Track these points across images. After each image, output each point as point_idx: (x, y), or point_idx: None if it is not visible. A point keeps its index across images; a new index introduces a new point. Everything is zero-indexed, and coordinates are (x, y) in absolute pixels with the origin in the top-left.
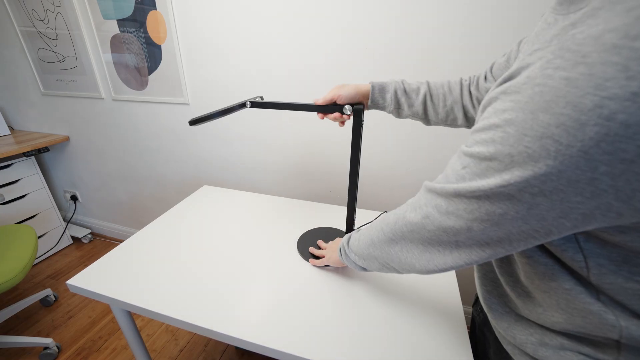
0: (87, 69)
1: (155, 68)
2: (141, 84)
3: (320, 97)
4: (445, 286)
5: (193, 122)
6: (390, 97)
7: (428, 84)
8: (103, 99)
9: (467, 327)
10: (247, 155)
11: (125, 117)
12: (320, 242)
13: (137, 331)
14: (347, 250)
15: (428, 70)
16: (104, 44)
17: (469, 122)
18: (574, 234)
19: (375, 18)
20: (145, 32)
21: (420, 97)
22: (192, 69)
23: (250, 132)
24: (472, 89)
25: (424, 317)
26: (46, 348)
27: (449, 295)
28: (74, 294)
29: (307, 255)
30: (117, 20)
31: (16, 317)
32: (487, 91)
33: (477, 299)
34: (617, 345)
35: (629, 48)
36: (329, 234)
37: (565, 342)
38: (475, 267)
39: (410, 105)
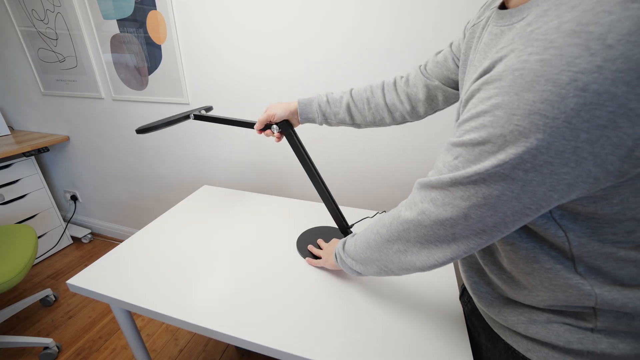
0: (87, 69)
1: (155, 68)
2: (141, 84)
3: (258, 122)
4: (444, 285)
5: (140, 131)
6: (316, 111)
7: (351, 91)
8: (103, 99)
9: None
10: (247, 155)
11: (125, 117)
12: (320, 242)
13: (137, 331)
14: (342, 256)
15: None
16: (104, 44)
17: (395, 120)
18: (551, 214)
19: (375, 18)
20: (145, 32)
21: (344, 105)
22: (192, 69)
23: (251, 132)
24: (402, 85)
25: (423, 315)
26: (46, 348)
27: (448, 295)
28: (74, 294)
29: (306, 254)
30: (117, 20)
31: (16, 317)
32: (424, 86)
33: (462, 291)
34: (593, 312)
35: (586, 32)
36: (329, 233)
37: (551, 316)
38: (459, 261)
39: (336, 114)
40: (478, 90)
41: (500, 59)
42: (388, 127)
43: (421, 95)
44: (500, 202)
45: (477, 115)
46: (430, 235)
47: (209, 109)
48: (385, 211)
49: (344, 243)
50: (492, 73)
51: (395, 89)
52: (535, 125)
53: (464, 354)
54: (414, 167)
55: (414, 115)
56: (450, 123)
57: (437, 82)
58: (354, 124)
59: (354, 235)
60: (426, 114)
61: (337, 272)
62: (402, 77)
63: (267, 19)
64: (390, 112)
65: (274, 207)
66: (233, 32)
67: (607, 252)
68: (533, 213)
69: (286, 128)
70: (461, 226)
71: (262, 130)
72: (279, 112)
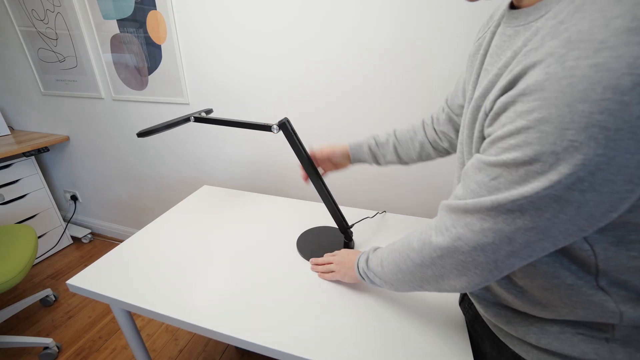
0: (87, 69)
1: (155, 68)
2: (141, 84)
3: (318, 150)
4: None
5: (141, 135)
6: (367, 155)
7: (395, 133)
8: (103, 99)
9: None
10: (247, 155)
11: (125, 117)
12: (326, 256)
13: (137, 331)
14: (369, 274)
15: (427, 70)
16: (104, 44)
17: (440, 153)
18: None
19: (375, 18)
20: (145, 32)
21: (390, 147)
22: (192, 69)
23: (251, 132)
24: (435, 125)
25: (423, 316)
26: (46, 348)
27: (448, 295)
28: (74, 294)
29: (307, 255)
30: (117, 20)
31: (16, 317)
32: (448, 121)
33: (463, 296)
34: (611, 324)
35: None
36: (329, 233)
37: (564, 326)
38: None
39: (384, 156)
40: (513, 102)
41: (533, 65)
42: (389, 126)
43: (452, 133)
44: (552, 226)
45: (518, 131)
46: (469, 262)
47: (209, 111)
48: (385, 211)
49: (367, 260)
50: (528, 82)
51: (433, 127)
52: (594, 140)
53: (463, 354)
54: (414, 167)
55: (454, 148)
56: None
57: (455, 116)
58: (401, 162)
59: (375, 251)
60: None
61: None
62: (436, 113)
63: (267, 19)
64: (434, 148)
65: (274, 207)
66: (233, 32)
67: (635, 265)
68: (585, 233)
69: (286, 128)
70: (504, 252)
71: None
72: (337, 153)
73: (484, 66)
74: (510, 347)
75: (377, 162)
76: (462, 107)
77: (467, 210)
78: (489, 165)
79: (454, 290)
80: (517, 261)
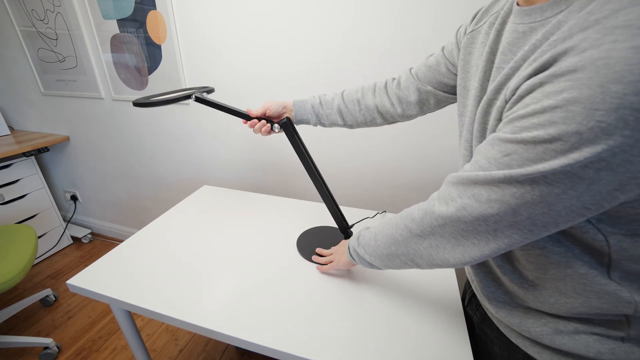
0: (87, 69)
1: (155, 68)
2: (141, 84)
3: (253, 109)
4: (445, 286)
5: (137, 104)
6: (309, 112)
7: (342, 93)
8: (103, 99)
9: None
10: (247, 155)
11: (125, 117)
12: (320, 250)
13: (137, 331)
14: (359, 251)
15: None
16: (104, 44)
17: (386, 121)
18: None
19: (375, 18)
20: (145, 32)
21: (335, 107)
22: (192, 69)
23: (251, 132)
24: (393, 88)
25: (423, 316)
26: (46, 348)
27: (449, 295)
28: (74, 294)
29: (307, 254)
30: (117, 20)
31: (16, 317)
32: (416, 90)
33: (470, 298)
34: (626, 320)
35: None
36: (329, 233)
37: (579, 326)
38: (471, 270)
39: (328, 115)
40: (541, 84)
41: (564, 52)
42: (388, 127)
43: (412, 98)
44: (558, 201)
45: (542, 110)
46: (469, 231)
47: (210, 90)
48: (385, 211)
49: (359, 237)
50: (559, 66)
51: (386, 91)
52: (624, 121)
53: (464, 354)
54: (414, 167)
55: (404, 116)
56: (450, 123)
57: (429, 87)
58: (345, 124)
59: (368, 229)
60: (417, 116)
61: (337, 273)
62: (393, 79)
63: (267, 19)
64: (380, 113)
65: (274, 207)
66: (233, 32)
67: None
68: (589, 213)
69: (287, 127)
70: (506, 223)
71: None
72: (274, 106)
73: (496, 64)
74: (522, 348)
75: (321, 123)
76: (442, 83)
77: (476, 182)
78: (504, 141)
79: (446, 265)
80: (516, 233)
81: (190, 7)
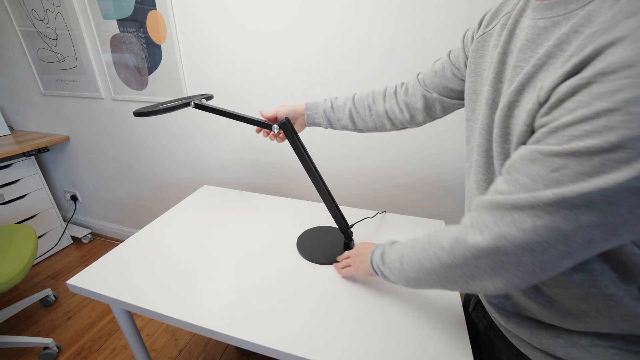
0: (87, 69)
1: (155, 68)
2: (141, 84)
3: (265, 111)
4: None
5: (138, 114)
6: (321, 116)
7: (353, 97)
8: (103, 99)
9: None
10: (247, 155)
11: (125, 117)
12: (346, 253)
13: (137, 331)
14: (382, 270)
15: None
16: (104, 44)
17: (395, 127)
18: None
19: (375, 18)
20: (145, 32)
21: (347, 111)
22: (192, 69)
23: (251, 132)
24: (401, 95)
25: (423, 317)
26: (46, 348)
27: (449, 296)
28: (74, 294)
29: (307, 254)
30: (117, 20)
31: (16, 317)
32: (422, 97)
33: (475, 304)
34: None
35: None
36: (329, 233)
37: (595, 339)
38: None
39: (339, 120)
40: (587, 85)
41: (611, 43)
42: None
43: (419, 105)
44: (622, 223)
45: (596, 115)
46: (511, 263)
47: (209, 97)
48: (385, 211)
49: (383, 255)
50: (608, 61)
51: (396, 98)
52: None
53: (464, 355)
54: (414, 167)
55: (413, 123)
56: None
57: (435, 94)
58: (356, 129)
59: (392, 245)
60: (425, 122)
61: (337, 274)
62: (402, 84)
63: (267, 19)
64: (390, 119)
65: (274, 207)
66: (233, 32)
67: None
68: None
69: (287, 127)
70: (557, 252)
71: (263, 127)
72: (283, 110)
73: (512, 63)
74: (532, 358)
75: (332, 127)
76: (448, 88)
77: (516, 206)
78: (550, 155)
79: (484, 292)
80: (568, 262)
81: (190, 7)
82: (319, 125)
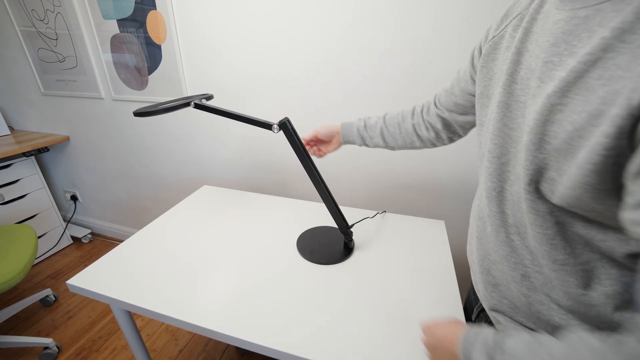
0: (87, 69)
1: (155, 68)
2: (141, 84)
3: (306, 134)
4: (445, 286)
5: (138, 114)
6: (355, 135)
7: (384, 117)
8: (103, 99)
9: None
10: (247, 155)
11: (125, 117)
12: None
13: (137, 331)
14: None
15: (427, 70)
16: (104, 44)
17: (425, 144)
18: None
19: (374, 18)
20: (145, 32)
21: (378, 130)
22: (192, 69)
23: (251, 132)
24: (424, 115)
25: (423, 317)
26: (46, 348)
27: (449, 296)
28: (74, 294)
29: (307, 254)
30: (117, 20)
31: (16, 317)
32: (437, 116)
33: (479, 313)
34: None
35: None
36: (329, 233)
37: None
38: (486, 295)
39: (372, 138)
40: None
41: None
42: None
43: (439, 125)
44: None
45: None
46: None
47: (209, 97)
48: (385, 211)
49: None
50: None
51: (422, 116)
52: None
53: None
54: (414, 168)
55: (440, 141)
56: None
57: (447, 113)
58: (387, 146)
59: (500, 348)
60: (451, 141)
61: (337, 273)
62: (427, 103)
63: (267, 19)
64: (418, 136)
65: (274, 207)
66: (233, 32)
67: None
68: None
69: (286, 127)
70: None
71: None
72: (322, 130)
73: (545, 58)
74: None
75: (365, 144)
76: (458, 104)
77: None
78: None
79: None
80: None
81: (190, 7)
82: (353, 143)
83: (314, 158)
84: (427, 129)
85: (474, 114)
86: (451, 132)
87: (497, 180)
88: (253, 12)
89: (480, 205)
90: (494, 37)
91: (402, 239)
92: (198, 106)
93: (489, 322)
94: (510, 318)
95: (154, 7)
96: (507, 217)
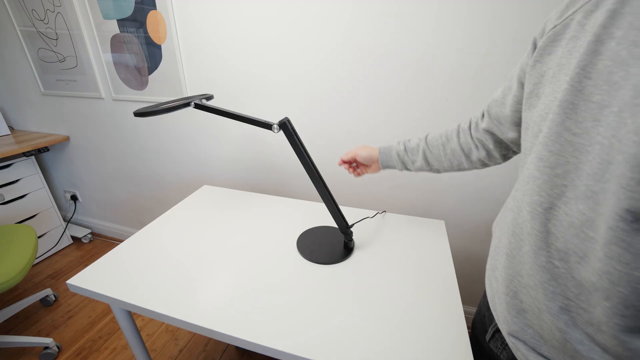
0: (87, 68)
1: (155, 68)
2: (141, 84)
3: (344, 155)
4: (445, 286)
5: (138, 114)
6: (395, 160)
7: (426, 138)
8: (103, 99)
9: (468, 327)
10: (247, 155)
11: (125, 117)
12: None
13: (137, 331)
14: None
15: (427, 71)
16: (104, 43)
17: (474, 165)
18: None
19: (374, 18)
20: (145, 32)
21: (420, 154)
22: (192, 69)
23: (251, 132)
24: (473, 132)
25: (423, 317)
26: (46, 348)
27: (449, 296)
28: (74, 294)
29: (307, 254)
30: (117, 20)
31: (16, 317)
32: (485, 132)
33: (494, 333)
34: None
35: None
36: (329, 233)
37: None
38: (508, 318)
39: (414, 162)
40: None
41: None
42: (388, 127)
43: (490, 143)
44: None
45: None
46: None
47: (209, 97)
48: (385, 211)
49: None
50: None
51: (470, 133)
52: None
53: (464, 355)
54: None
55: (492, 160)
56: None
57: (497, 128)
58: (431, 169)
59: None
60: (506, 158)
61: (337, 273)
62: (475, 118)
63: (267, 19)
64: (466, 156)
65: (274, 207)
66: (233, 32)
67: None
68: None
69: (286, 127)
70: None
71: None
72: (362, 154)
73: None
74: None
75: (407, 168)
76: (509, 117)
77: None
78: None
79: None
80: None
81: (190, 7)
82: (393, 167)
83: (314, 158)
84: (476, 147)
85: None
86: (503, 148)
87: (546, 194)
88: (254, 12)
89: (518, 219)
90: (554, 26)
91: (402, 239)
92: (198, 106)
93: (505, 345)
94: (533, 349)
95: (154, 7)
96: (553, 239)
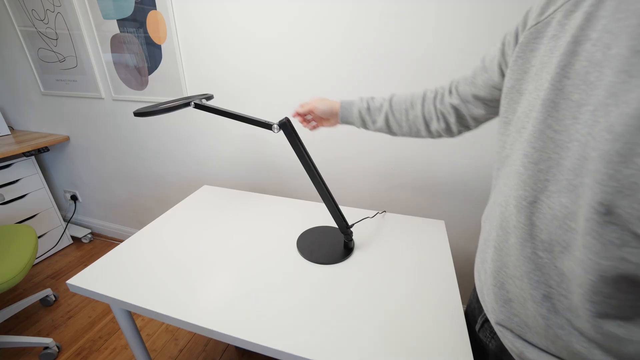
0: (87, 68)
1: (155, 68)
2: (141, 84)
3: (302, 103)
4: (445, 286)
5: (138, 114)
6: (356, 116)
7: (390, 100)
8: (103, 99)
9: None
10: (247, 155)
11: (125, 117)
12: None
13: (137, 331)
14: None
15: (427, 71)
16: (104, 43)
17: (431, 134)
18: None
19: (374, 18)
20: (145, 32)
21: (382, 114)
22: (192, 69)
23: (251, 132)
24: (437, 103)
25: (423, 317)
26: (46, 348)
27: (449, 296)
28: (74, 294)
29: (307, 254)
30: (117, 20)
31: (16, 317)
32: (452, 107)
33: (483, 323)
34: None
35: None
36: (329, 233)
37: None
38: (495, 307)
39: (374, 122)
40: None
41: None
42: None
43: (452, 117)
44: None
45: None
46: None
47: (209, 97)
48: (385, 211)
49: None
50: None
51: (434, 104)
52: None
53: (464, 355)
54: (414, 167)
55: (448, 132)
56: None
57: (463, 105)
58: (390, 132)
59: None
60: (459, 133)
61: (337, 274)
62: (439, 90)
63: (268, 19)
64: (427, 125)
65: (274, 207)
66: (233, 33)
67: None
68: None
69: (286, 127)
70: None
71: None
72: (323, 107)
73: (637, 45)
74: None
75: (365, 127)
76: (478, 97)
77: None
78: None
79: None
80: None
81: (190, 7)
82: (352, 124)
83: (314, 158)
84: (437, 119)
85: (494, 107)
86: (463, 125)
87: (530, 189)
88: (254, 12)
89: (505, 213)
90: (537, 23)
91: (402, 239)
92: (198, 106)
93: (494, 334)
94: (519, 336)
95: (154, 7)
96: (537, 231)
